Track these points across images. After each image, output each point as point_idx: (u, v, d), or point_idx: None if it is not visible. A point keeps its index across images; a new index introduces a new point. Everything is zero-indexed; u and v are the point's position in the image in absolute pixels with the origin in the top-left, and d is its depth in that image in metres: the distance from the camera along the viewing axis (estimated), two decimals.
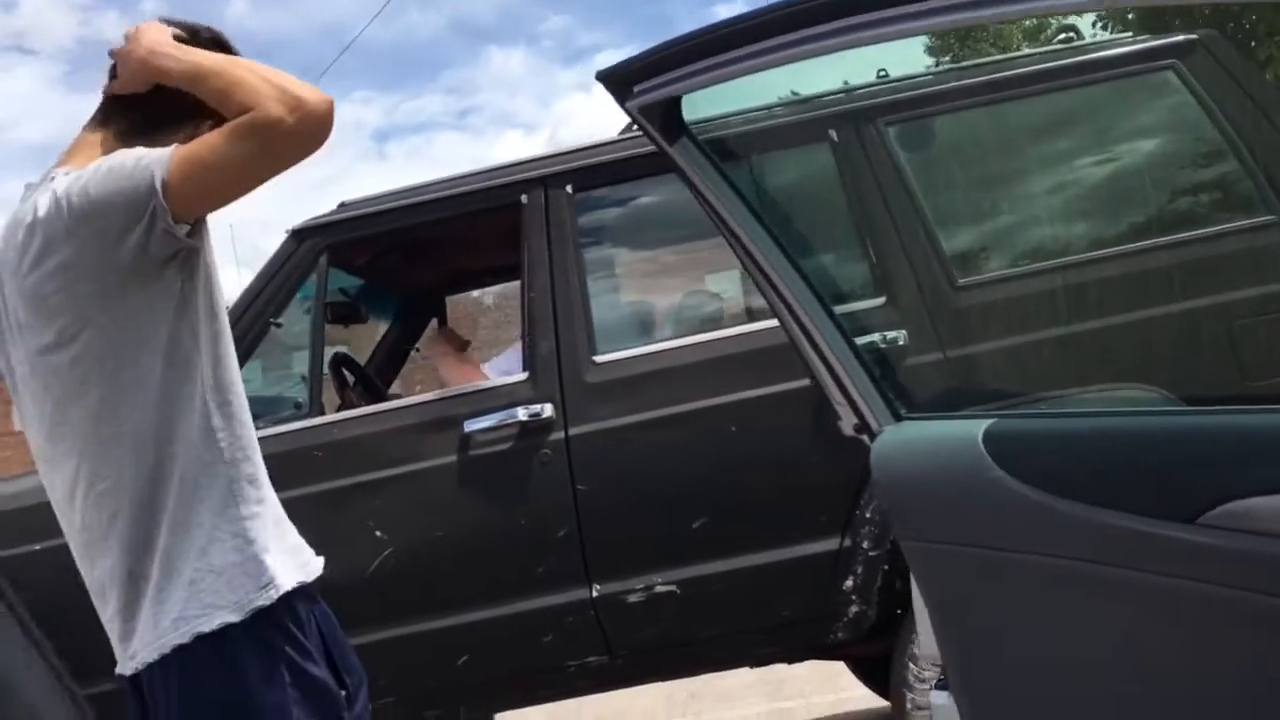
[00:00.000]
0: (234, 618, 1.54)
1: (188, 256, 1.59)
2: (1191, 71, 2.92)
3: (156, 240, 1.52)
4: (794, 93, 3.05)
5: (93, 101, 1.68)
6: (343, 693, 1.69)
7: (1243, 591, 1.24)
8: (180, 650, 1.53)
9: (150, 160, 1.51)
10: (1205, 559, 1.24)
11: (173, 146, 1.53)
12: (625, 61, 1.58)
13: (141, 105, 1.64)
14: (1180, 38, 3.02)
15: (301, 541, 1.71)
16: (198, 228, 1.58)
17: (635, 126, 3.12)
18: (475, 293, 11.82)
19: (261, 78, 1.51)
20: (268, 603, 1.57)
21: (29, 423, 1.66)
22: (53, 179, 1.58)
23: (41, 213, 1.53)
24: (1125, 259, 2.96)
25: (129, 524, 1.56)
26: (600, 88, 1.63)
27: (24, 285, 1.56)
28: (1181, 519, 1.26)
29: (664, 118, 1.61)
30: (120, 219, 1.51)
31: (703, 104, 1.66)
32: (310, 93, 1.51)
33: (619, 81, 1.59)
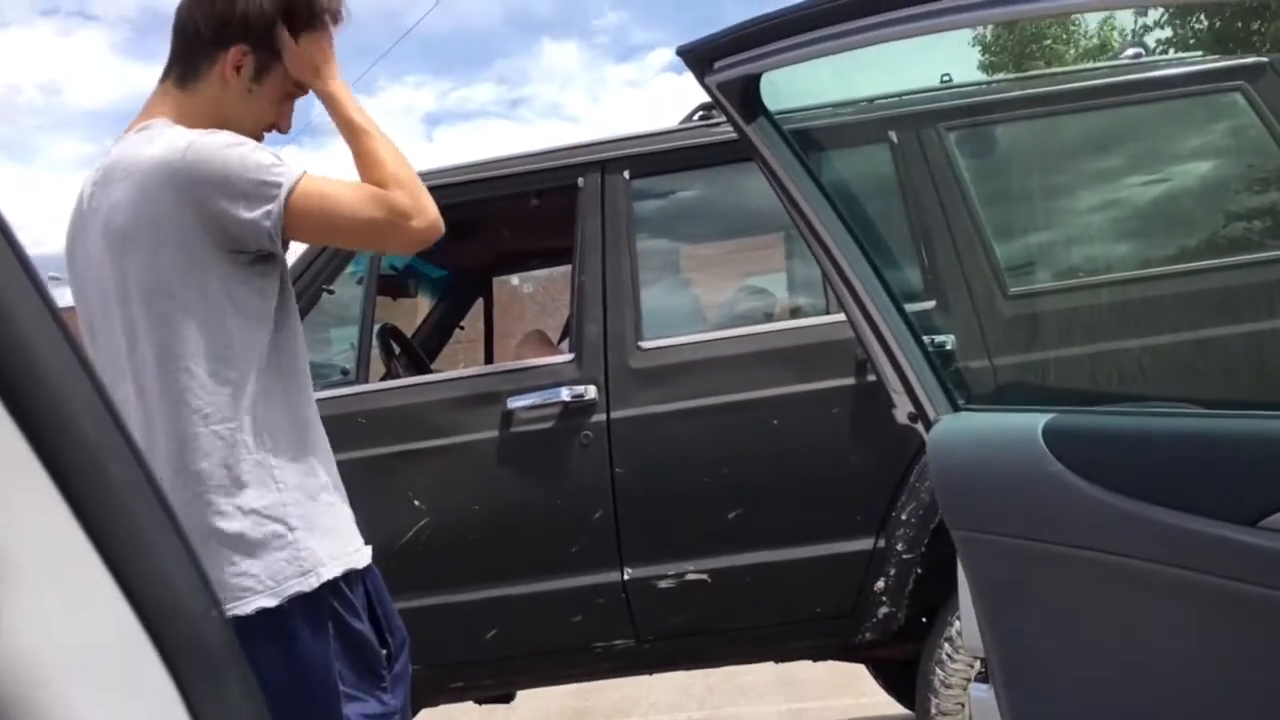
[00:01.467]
0: (270, 603, 1.56)
1: (269, 260, 1.63)
2: (1260, 94, 2.90)
3: (249, 229, 1.56)
4: (902, 92, 3.09)
5: (152, 69, 1.77)
6: (384, 651, 1.71)
7: None
8: None
9: (280, 173, 1.57)
10: (1266, 562, 1.23)
11: (303, 170, 1.60)
12: (708, 37, 1.59)
13: (180, 55, 1.71)
14: (1250, 59, 3.00)
15: (354, 528, 1.70)
16: (286, 243, 1.64)
17: (710, 110, 3.17)
18: (515, 279, 11.84)
19: (397, 173, 1.66)
20: (307, 589, 1.58)
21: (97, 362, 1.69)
22: (162, 132, 1.61)
23: (147, 165, 1.57)
24: (1180, 279, 2.94)
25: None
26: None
27: (111, 227, 1.59)
28: (1243, 521, 1.26)
29: (743, 96, 1.61)
30: (226, 199, 1.55)
31: (780, 94, 1.66)
32: (433, 208, 1.66)
33: (700, 57, 1.60)
